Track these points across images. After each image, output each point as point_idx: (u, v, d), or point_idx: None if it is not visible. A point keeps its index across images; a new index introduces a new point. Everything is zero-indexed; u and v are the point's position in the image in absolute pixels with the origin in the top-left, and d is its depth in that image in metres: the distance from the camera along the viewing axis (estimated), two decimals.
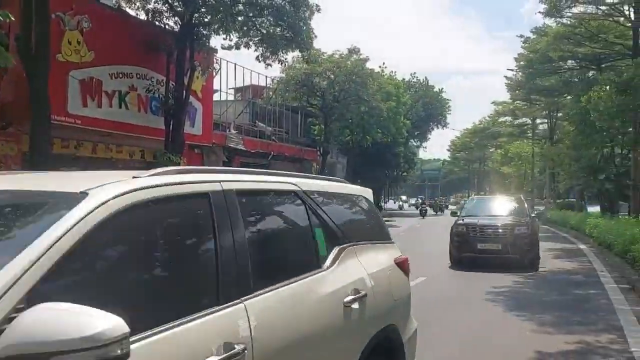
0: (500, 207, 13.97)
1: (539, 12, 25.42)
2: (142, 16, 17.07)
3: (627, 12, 22.69)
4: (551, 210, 35.89)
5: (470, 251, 12.23)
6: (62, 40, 14.34)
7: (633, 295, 8.99)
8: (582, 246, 18.35)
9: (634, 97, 17.60)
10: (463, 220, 13.04)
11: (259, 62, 18.15)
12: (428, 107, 48.83)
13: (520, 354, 5.75)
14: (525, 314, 7.66)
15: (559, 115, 38.62)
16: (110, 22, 16.02)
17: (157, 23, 17.12)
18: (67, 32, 14.48)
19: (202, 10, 16.44)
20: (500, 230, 12.14)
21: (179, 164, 16.97)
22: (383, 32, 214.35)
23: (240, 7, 16.88)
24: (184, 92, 17.02)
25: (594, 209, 31.18)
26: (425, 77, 51.11)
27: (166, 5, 16.82)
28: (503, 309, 8.06)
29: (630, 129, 19.44)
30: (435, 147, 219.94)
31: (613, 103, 17.92)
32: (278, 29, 17.43)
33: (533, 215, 13.96)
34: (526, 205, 14.09)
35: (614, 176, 22.78)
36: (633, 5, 21.56)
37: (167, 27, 17.28)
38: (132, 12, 17.02)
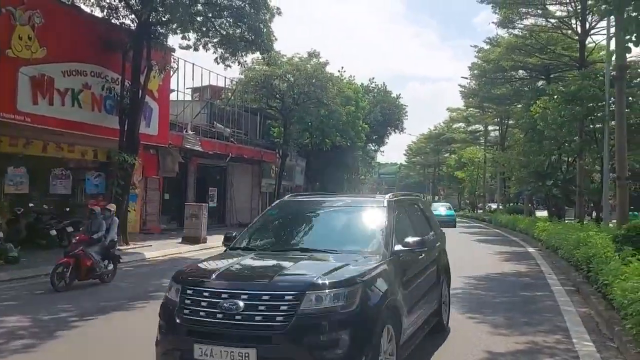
0: (325, 227, 5.85)
1: (493, 22, 26.31)
2: (98, 13, 16.66)
3: (574, 26, 23.79)
4: (501, 214, 37.12)
5: None
6: (13, 35, 13.84)
7: (578, 297, 9.41)
8: (530, 249, 19.02)
9: (580, 107, 18.44)
10: (188, 270, 4.88)
11: (218, 64, 17.97)
12: (386, 112, 49.49)
13: (473, 354, 5.96)
14: (478, 315, 7.92)
15: (509, 122, 39.98)
16: (64, 17, 15.56)
17: (113, 20, 16.73)
18: (18, 27, 13.99)
19: (160, 9, 16.14)
20: (262, 305, 4.07)
21: (133, 164, 16.64)
22: (341, 38, 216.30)
23: (199, 7, 16.66)
24: (140, 91, 16.69)
25: (542, 213, 32.39)
26: (384, 83, 51.77)
27: (122, 2, 16.45)
28: (456, 311, 8.28)
29: (576, 138, 20.29)
30: (393, 151, 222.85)
31: (560, 113, 18.70)
32: (238, 31, 17.29)
33: (403, 248, 5.22)
34: (386, 220, 5.41)
35: (561, 182, 23.70)
36: (580, 19, 22.62)
37: (123, 25, 16.90)
38: (86, 9, 16.58)
